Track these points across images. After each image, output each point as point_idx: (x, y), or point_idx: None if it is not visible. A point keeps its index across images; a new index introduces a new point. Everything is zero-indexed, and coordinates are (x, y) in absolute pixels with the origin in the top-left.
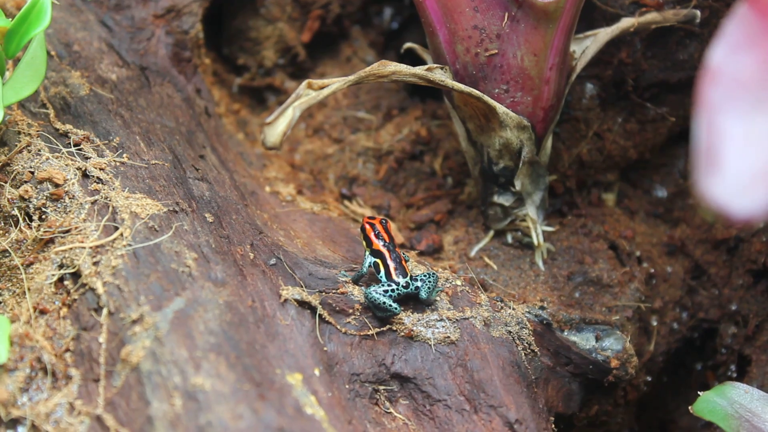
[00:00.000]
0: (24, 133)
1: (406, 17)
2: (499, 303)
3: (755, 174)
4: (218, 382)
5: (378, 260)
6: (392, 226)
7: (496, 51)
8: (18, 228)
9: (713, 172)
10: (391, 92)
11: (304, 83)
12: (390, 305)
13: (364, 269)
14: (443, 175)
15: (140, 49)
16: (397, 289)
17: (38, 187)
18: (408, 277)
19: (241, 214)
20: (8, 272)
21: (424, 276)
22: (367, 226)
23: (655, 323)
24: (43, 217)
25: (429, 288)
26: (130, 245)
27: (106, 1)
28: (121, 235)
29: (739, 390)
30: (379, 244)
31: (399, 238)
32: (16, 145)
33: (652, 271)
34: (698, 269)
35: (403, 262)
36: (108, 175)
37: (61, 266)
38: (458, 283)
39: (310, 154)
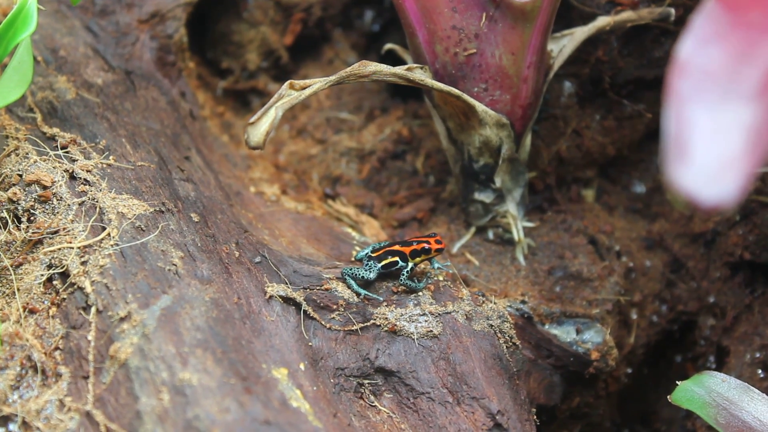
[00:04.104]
0: (12, 137)
1: (387, 19)
2: (481, 297)
3: (723, 163)
4: (205, 376)
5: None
6: (426, 239)
7: (475, 50)
8: (7, 230)
9: (682, 161)
10: (373, 93)
11: (286, 84)
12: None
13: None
14: (425, 173)
15: (125, 53)
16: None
17: (26, 189)
18: (368, 260)
19: (226, 214)
20: None
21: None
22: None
23: (635, 316)
24: (32, 218)
25: (347, 273)
26: (117, 245)
27: (91, 6)
28: (109, 235)
29: (716, 379)
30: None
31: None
32: (4, 149)
33: (631, 265)
34: (677, 263)
35: (385, 251)
36: (95, 176)
37: (49, 266)
38: (440, 278)
39: (293, 155)
